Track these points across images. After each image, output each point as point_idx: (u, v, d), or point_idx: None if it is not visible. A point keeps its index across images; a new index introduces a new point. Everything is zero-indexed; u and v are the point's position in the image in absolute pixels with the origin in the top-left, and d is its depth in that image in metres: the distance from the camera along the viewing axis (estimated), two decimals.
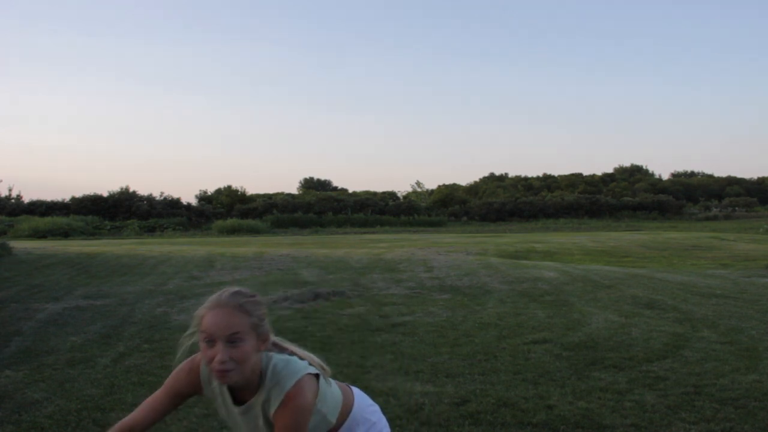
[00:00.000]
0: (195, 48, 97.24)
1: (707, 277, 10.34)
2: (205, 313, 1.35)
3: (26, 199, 38.20)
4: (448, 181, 71.54)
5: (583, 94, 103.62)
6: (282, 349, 1.49)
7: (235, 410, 1.42)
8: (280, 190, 55.63)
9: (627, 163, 77.98)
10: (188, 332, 1.41)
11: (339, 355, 4.86)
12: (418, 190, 55.22)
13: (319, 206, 41.44)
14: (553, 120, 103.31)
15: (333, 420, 1.51)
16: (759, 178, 67.58)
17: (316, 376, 1.44)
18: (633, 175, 72.66)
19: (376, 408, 1.70)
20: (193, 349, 1.47)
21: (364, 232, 31.90)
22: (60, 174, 74.81)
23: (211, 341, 1.32)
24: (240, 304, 1.35)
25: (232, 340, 1.31)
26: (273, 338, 1.48)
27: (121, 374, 4.41)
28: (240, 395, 1.42)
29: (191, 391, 1.47)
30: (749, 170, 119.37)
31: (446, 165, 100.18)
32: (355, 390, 1.67)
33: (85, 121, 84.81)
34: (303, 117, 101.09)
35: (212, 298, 1.38)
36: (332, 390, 1.53)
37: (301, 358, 1.48)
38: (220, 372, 1.30)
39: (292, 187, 68.87)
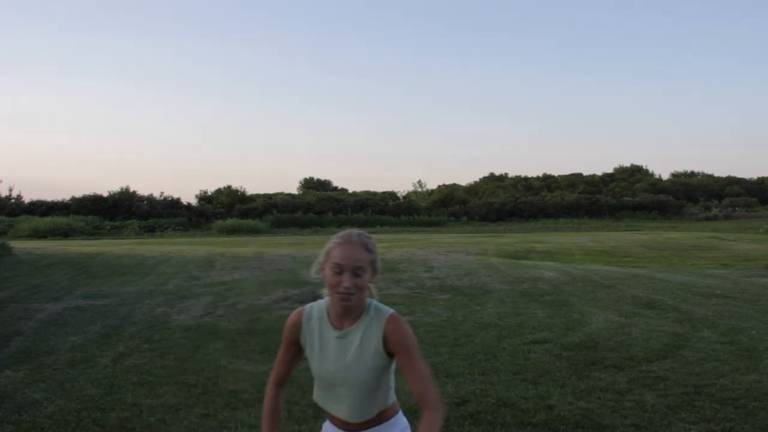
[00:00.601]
0: (195, 48, 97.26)
1: (707, 277, 10.34)
2: (335, 247, 1.58)
3: (26, 199, 38.20)
4: (448, 181, 71.63)
5: (583, 94, 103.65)
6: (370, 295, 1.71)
7: (333, 334, 1.62)
8: (280, 190, 55.71)
9: (627, 163, 78.09)
10: (317, 261, 1.63)
11: None
12: (420, 189, 55.23)
13: (319, 206, 41.43)
14: (553, 120, 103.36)
15: (388, 401, 1.70)
16: (759, 178, 67.59)
17: None
18: (633, 175, 72.67)
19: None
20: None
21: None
22: (60, 174, 74.84)
23: (339, 270, 1.54)
24: (365, 243, 1.59)
25: (357, 272, 1.54)
26: None
27: (121, 374, 4.41)
28: (340, 324, 1.63)
29: (296, 336, 1.67)
30: (749, 170, 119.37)
31: (446, 165, 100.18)
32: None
33: (85, 121, 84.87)
34: (303, 117, 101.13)
35: (342, 235, 1.62)
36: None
37: None
38: (345, 295, 1.54)
39: (292, 187, 68.92)
